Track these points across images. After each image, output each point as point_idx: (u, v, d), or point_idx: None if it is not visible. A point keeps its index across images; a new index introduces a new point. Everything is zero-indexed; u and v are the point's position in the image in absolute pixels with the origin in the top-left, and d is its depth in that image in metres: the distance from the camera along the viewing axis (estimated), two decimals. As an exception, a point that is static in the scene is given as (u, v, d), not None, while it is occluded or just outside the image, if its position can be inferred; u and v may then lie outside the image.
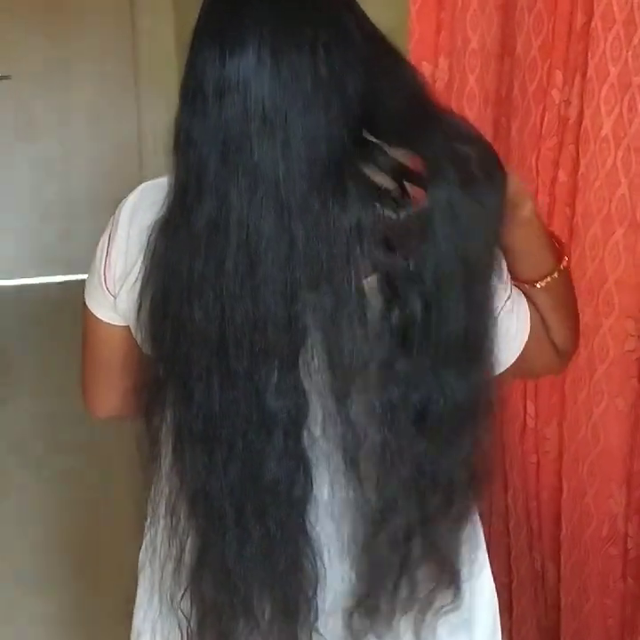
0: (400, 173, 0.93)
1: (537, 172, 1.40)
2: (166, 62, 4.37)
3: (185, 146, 0.94)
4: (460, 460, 1.01)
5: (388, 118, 0.94)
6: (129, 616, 1.25)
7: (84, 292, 1.14)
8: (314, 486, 0.99)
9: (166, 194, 0.98)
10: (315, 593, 1.02)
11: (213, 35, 0.94)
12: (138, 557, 1.22)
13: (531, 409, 1.49)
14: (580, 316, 1.35)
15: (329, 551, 1.04)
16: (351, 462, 0.97)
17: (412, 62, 1.68)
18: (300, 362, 0.94)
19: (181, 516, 1.04)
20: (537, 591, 1.61)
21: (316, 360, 0.95)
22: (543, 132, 1.38)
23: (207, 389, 0.96)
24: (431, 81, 1.73)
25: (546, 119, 1.38)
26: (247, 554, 1.01)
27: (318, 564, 1.02)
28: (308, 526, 1.00)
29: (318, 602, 1.03)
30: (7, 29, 4.53)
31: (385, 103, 0.94)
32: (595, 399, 1.37)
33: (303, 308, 0.92)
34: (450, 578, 1.07)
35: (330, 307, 0.92)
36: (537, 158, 1.40)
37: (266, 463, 0.97)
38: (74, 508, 2.90)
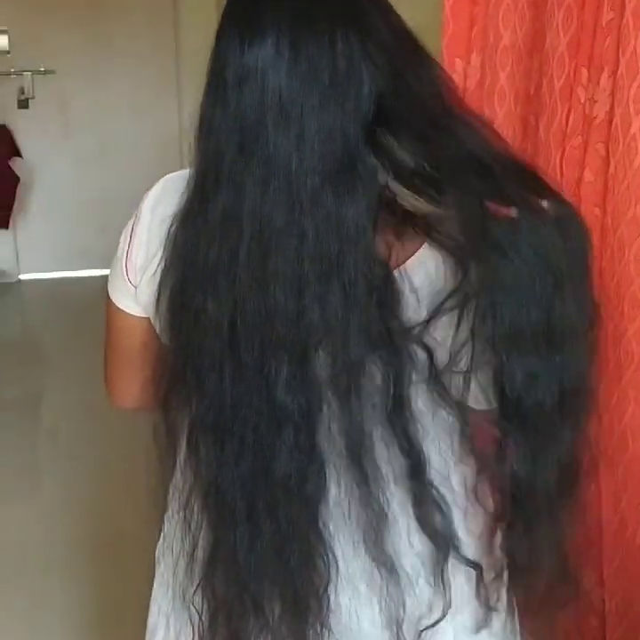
0: (415, 176, 0.92)
1: (561, 171, 1.37)
2: (207, 58, 4.37)
3: (205, 134, 0.96)
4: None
5: (405, 117, 0.93)
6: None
7: (107, 284, 1.15)
8: (326, 482, 0.98)
9: (187, 184, 0.99)
10: (326, 590, 1.01)
11: (235, 24, 0.95)
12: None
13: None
14: (609, 321, 1.31)
15: (342, 548, 1.03)
16: (353, 459, 0.97)
17: (446, 59, 1.70)
18: (311, 357, 0.94)
19: (195, 510, 1.04)
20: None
21: (321, 355, 0.94)
22: (568, 130, 1.36)
23: (219, 381, 0.96)
24: (463, 78, 1.71)
25: (571, 117, 1.35)
26: (258, 549, 1.00)
27: (330, 560, 1.01)
28: (320, 523, 0.99)
29: (330, 598, 1.02)
30: (51, 25, 4.60)
31: (403, 102, 0.93)
32: (622, 405, 1.34)
33: (311, 303, 0.92)
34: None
35: (337, 303, 0.91)
36: (562, 157, 1.37)
37: (277, 457, 0.96)
38: (107, 498, 2.92)
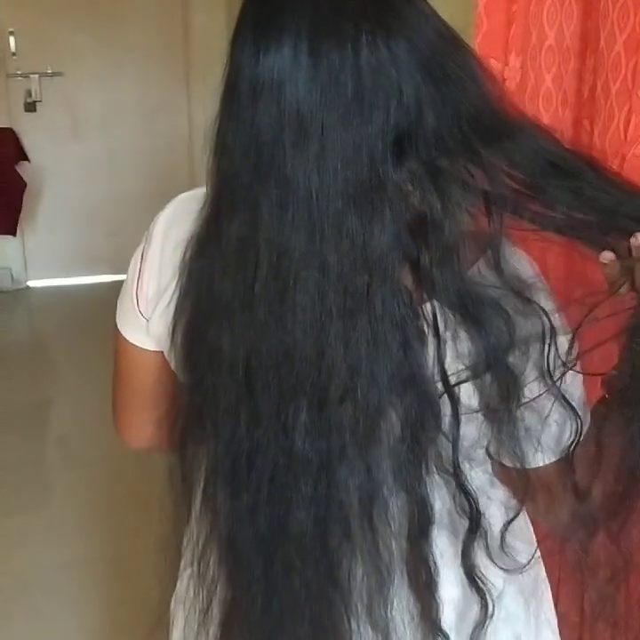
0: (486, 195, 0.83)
1: (621, 180, 1.28)
2: (218, 59, 4.29)
3: (220, 152, 0.86)
4: None
5: (450, 130, 0.83)
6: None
7: (116, 316, 1.07)
8: (346, 540, 0.90)
9: (202, 206, 0.90)
10: None
11: (250, 30, 0.84)
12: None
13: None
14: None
15: (367, 606, 0.93)
16: (366, 516, 0.88)
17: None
18: (332, 402, 0.85)
19: (210, 564, 0.96)
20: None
21: (343, 400, 0.85)
22: (628, 137, 1.27)
23: (235, 426, 0.88)
24: (501, 80, 1.63)
25: (632, 123, 1.26)
26: (274, 610, 0.92)
27: (351, 622, 0.92)
28: (340, 583, 0.90)
29: None
30: (58, 26, 4.53)
31: (446, 113, 0.83)
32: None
33: (334, 342, 0.83)
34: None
35: (363, 342, 0.82)
36: (620, 166, 1.28)
37: (292, 512, 0.88)
38: (120, 510, 2.85)
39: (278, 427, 0.86)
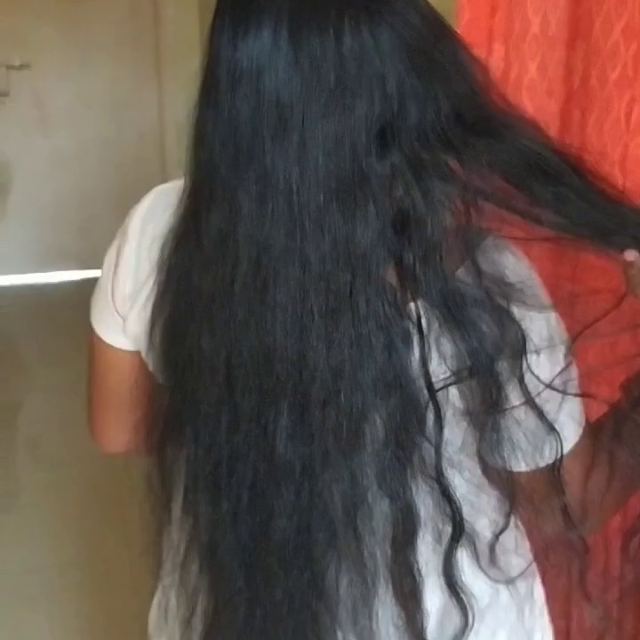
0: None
1: (623, 172, 1.24)
2: (190, 50, 4.26)
3: (199, 143, 0.83)
4: None
5: (433, 124, 0.80)
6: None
7: (90, 315, 1.03)
8: (331, 548, 0.86)
9: (180, 198, 0.86)
10: None
11: (228, 13, 0.80)
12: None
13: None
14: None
15: (351, 616, 0.90)
16: (350, 523, 0.85)
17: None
18: (314, 405, 0.82)
19: (192, 572, 0.92)
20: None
21: (325, 404, 0.82)
22: (631, 126, 1.23)
23: (215, 431, 0.85)
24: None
25: (634, 113, 1.22)
26: (257, 620, 0.88)
27: (337, 634, 0.89)
28: (324, 595, 0.87)
29: None
30: (25, 17, 4.45)
31: (429, 106, 0.79)
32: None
33: (315, 344, 0.79)
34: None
35: (346, 344, 0.79)
36: (623, 157, 1.24)
37: (274, 521, 0.84)
38: (92, 515, 2.81)
39: (259, 431, 0.84)
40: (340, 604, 0.88)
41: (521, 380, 0.84)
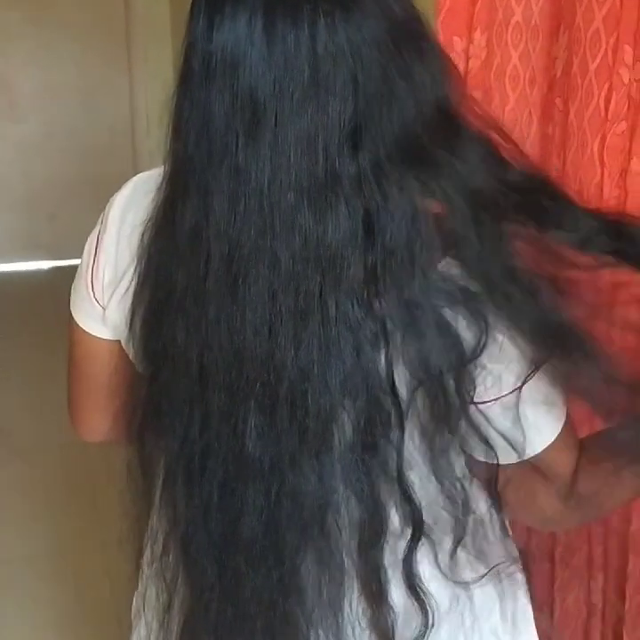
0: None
1: (602, 161, 1.25)
2: (161, 39, 4.23)
3: (176, 133, 0.82)
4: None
5: (397, 130, 0.79)
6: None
7: (69, 304, 1.02)
8: (299, 548, 0.86)
9: (158, 187, 0.85)
10: None
11: (205, 2, 0.79)
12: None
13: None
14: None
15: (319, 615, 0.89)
16: (317, 523, 0.85)
17: (442, 37, 1.56)
18: (282, 405, 0.82)
19: (171, 561, 0.92)
20: (589, 626, 1.47)
21: (293, 404, 0.82)
22: (610, 115, 1.23)
23: (188, 426, 0.85)
24: (464, 58, 1.58)
25: (613, 101, 1.22)
26: (228, 619, 0.89)
27: (306, 632, 0.88)
28: (294, 590, 0.87)
29: None
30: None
31: (395, 111, 0.79)
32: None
33: (285, 345, 0.79)
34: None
35: (315, 345, 0.79)
36: (602, 145, 1.24)
37: (242, 519, 0.84)
38: (62, 503, 2.80)
39: (229, 429, 0.84)
40: (309, 602, 0.88)
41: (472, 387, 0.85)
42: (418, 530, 0.88)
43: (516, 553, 0.99)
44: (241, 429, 0.82)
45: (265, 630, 0.88)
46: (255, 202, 0.78)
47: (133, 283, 0.90)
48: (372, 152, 0.78)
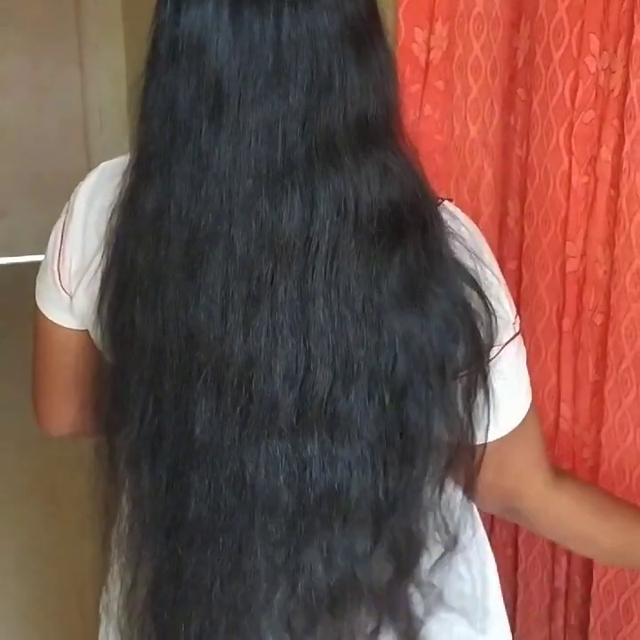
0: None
1: (569, 149, 1.26)
2: (113, 30, 4.19)
3: (141, 116, 0.83)
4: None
5: (337, 126, 0.80)
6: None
7: (35, 294, 1.02)
8: (243, 532, 0.87)
9: (124, 170, 0.86)
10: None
11: None
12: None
13: (565, 411, 1.35)
14: (626, 312, 1.23)
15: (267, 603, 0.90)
16: (261, 507, 0.86)
17: (403, 28, 1.56)
18: (228, 390, 0.83)
19: (133, 544, 0.94)
20: (552, 610, 1.49)
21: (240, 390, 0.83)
22: (577, 104, 1.24)
23: (144, 409, 0.86)
24: (425, 49, 1.59)
25: (580, 90, 1.24)
26: (180, 599, 0.90)
27: (250, 618, 0.90)
28: (242, 572, 0.88)
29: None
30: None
31: (337, 107, 0.80)
32: (624, 389, 1.24)
33: (235, 330, 0.80)
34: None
35: (262, 332, 0.80)
36: (570, 134, 1.26)
37: (189, 502, 0.86)
38: (21, 497, 2.77)
39: (180, 413, 0.85)
40: (256, 586, 0.88)
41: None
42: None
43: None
44: (191, 413, 0.84)
45: (204, 615, 0.89)
46: (215, 187, 0.79)
47: (101, 267, 0.90)
48: (315, 142, 0.79)
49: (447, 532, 0.93)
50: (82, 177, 0.98)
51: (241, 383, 0.82)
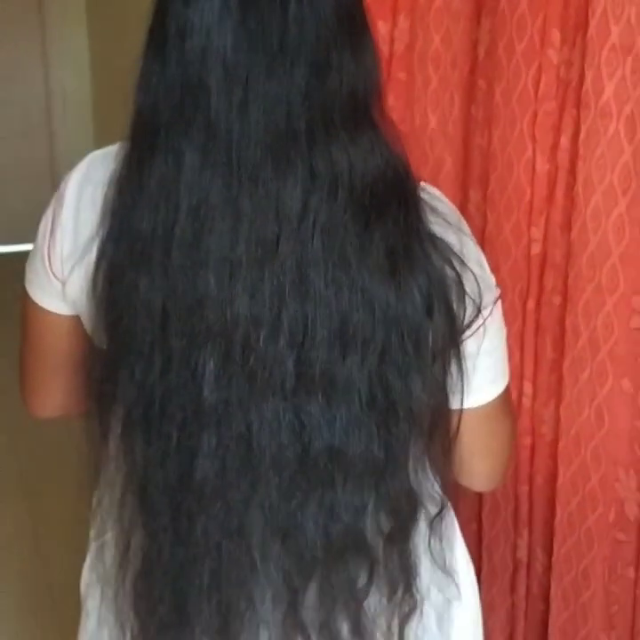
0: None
1: (533, 137, 1.32)
2: (76, 17, 4.16)
3: (143, 92, 0.86)
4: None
5: (330, 109, 0.85)
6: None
7: (24, 281, 1.03)
8: (249, 492, 0.90)
9: (120, 145, 0.90)
10: (247, 609, 0.94)
11: None
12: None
13: (527, 388, 1.41)
14: (582, 293, 1.28)
15: (267, 558, 0.94)
16: (267, 467, 0.89)
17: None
18: (236, 351, 0.86)
19: (127, 510, 0.96)
20: (515, 581, 1.55)
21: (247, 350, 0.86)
22: (540, 95, 1.30)
23: (148, 371, 0.88)
24: (389, 42, 1.63)
25: (542, 81, 1.29)
26: (179, 560, 0.93)
27: (254, 576, 0.93)
28: (240, 533, 0.91)
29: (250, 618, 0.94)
30: None
31: (332, 91, 0.84)
32: (599, 380, 1.29)
33: (242, 292, 0.84)
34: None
35: (267, 294, 0.84)
36: (533, 123, 1.31)
37: (196, 461, 0.89)
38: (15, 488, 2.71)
39: (188, 374, 0.87)
40: (256, 545, 0.92)
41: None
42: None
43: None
44: (200, 374, 0.86)
45: (212, 573, 0.92)
46: (224, 155, 0.82)
47: (97, 241, 0.92)
48: (316, 115, 0.83)
49: (439, 491, 0.98)
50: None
51: (248, 343, 0.85)
